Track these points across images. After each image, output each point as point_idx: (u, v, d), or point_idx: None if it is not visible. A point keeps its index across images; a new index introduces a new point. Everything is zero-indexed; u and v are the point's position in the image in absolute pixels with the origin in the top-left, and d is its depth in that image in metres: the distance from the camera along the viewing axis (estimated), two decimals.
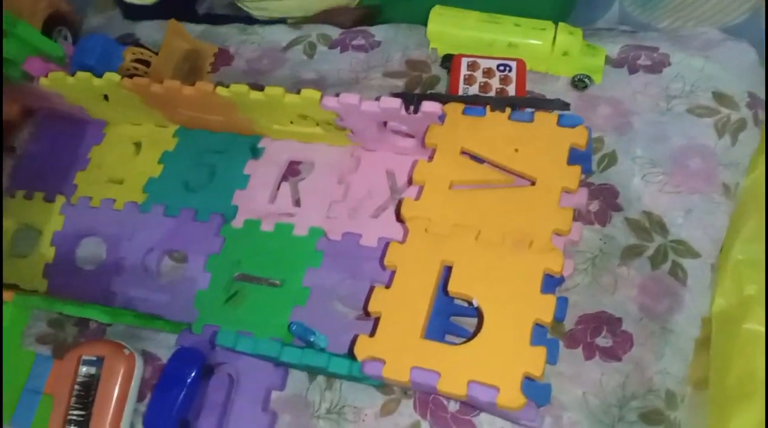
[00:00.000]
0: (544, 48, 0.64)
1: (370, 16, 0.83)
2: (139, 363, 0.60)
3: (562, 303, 0.54)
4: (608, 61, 0.65)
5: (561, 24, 0.64)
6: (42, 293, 0.68)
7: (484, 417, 0.52)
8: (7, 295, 0.60)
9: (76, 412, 0.59)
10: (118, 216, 0.68)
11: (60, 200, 0.71)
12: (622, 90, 0.64)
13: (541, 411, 0.51)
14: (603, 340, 0.53)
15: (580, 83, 0.65)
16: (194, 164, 0.69)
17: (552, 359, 0.52)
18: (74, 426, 0.58)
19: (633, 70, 0.65)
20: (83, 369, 0.59)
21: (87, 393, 0.59)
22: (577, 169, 0.50)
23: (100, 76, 0.63)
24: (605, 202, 0.59)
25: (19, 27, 0.65)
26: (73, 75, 0.64)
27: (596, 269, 0.56)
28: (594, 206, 0.59)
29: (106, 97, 0.68)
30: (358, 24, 0.77)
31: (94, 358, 0.59)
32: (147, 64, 0.73)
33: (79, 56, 0.70)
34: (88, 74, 0.64)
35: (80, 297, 0.65)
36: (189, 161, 0.69)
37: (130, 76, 0.63)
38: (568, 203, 0.50)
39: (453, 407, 0.53)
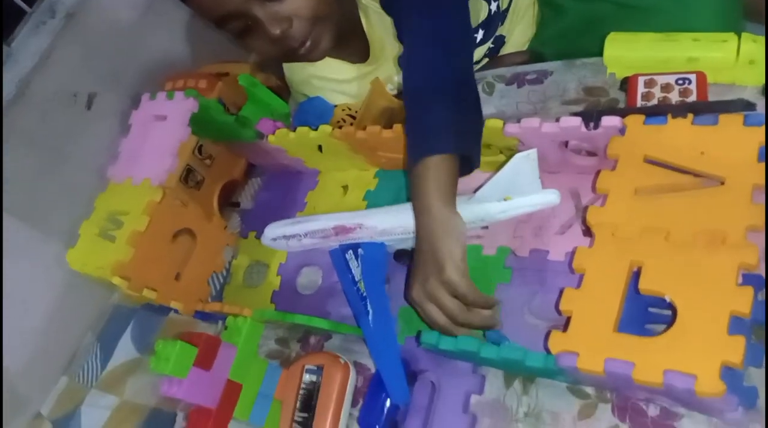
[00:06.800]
0: (728, 59, 0.64)
1: (535, 60, 0.89)
2: (352, 371, 0.68)
3: (764, 307, 0.52)
4: None
5: (744, 33, 0.64)
6: None
7: (686, 423, 0.51)
8: (246, 311, 0.72)
9: (301, 414, 0.67)
10: None
11: None
12: None
13: (750, 415, 0.49)
14: None
15: None
16: (393, 199, 0.77)
17: (756, 361, 0.50)
18: (299, 427, 0.67)
19: None
20: (306, 377, 0.69)
21: (310, 398, 0.67)
22: None
23: (315, 129, 0.75)
24: None
25: (258, 88, 0.79)
26: (294, 130, 0.77)
27: None
28: None
29: (320, 148, 0.80)
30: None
31: (315, 367, 0.68)
32: (353, 118, 0.85)
33: (300, 115, 0.84)
34: (306, 128, 0.76)
35: None
36: (389, 197, 0.78)
37: (339, 128, 0.75)
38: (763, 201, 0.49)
39: (653, 412, 0.53)
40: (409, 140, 0.64)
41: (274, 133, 0.80)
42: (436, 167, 0.59)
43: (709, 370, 0.42)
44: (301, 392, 0.68)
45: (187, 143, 0.77)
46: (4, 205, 0.92)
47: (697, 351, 0.43)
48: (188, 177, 0.86)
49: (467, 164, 0.62)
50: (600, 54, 0.72)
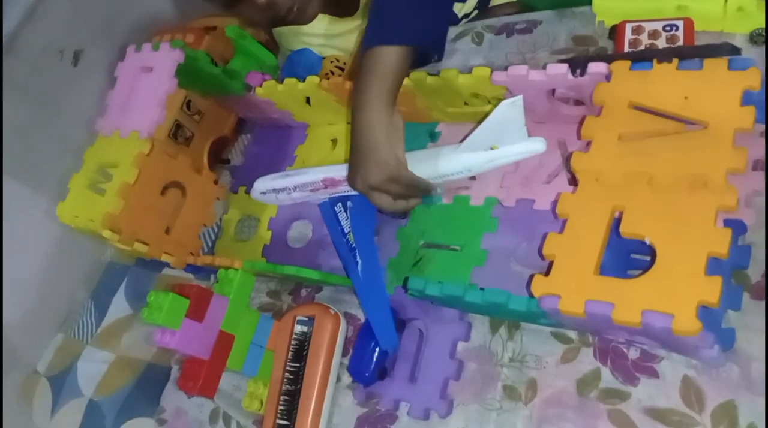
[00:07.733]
0: (717, 7, 0.64)
1: (525, 11, 0.88)
2: (343, 321, 0.69)
3: (745, 251, 0.53)
4: None
5: None
6: None
7: (665, 364, 0.53)
8: (237, 263, 0.73)
9: (292, 364, 0.69)
10: None
11: None
12: None
13: (729, 357, 0.50)
14: None
15: (759, 38, 0.63)
16: None
17: (735, 304, 0.51)
18: (291, 376, 0.68)
19: None
20: (298, 328, 0.70)
21: (301, 348, 0.69)
22: (751, 109, 0.49)
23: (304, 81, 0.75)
24: None
25: (246, 40, 0.79)
26: (281, 82, 0.77)
27: None
28: None
29: (308, 101, 0.79)
30: None
31: (306, 318, 0.69)
32: (342, 70, 0.85)
33: (288, 67, 0.83)
34: (294, 80, 0.76)
35: None
36: None
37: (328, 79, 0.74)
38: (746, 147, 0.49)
39: (633, 354, 0.54)
40: (365, 32, 0.62)
41: (261, 86, 0.80)
42: (383, 59, 0.58)
43: (686, 309, 0.43)
44: (292, 342, 0.69)
45: (175, 95, 0.77)
46: None
47: (675, 291, 0.44)
48: (177, 133, 0.86)
49: (424, 57, 0.60)
50: (590, 3, 0.71)
